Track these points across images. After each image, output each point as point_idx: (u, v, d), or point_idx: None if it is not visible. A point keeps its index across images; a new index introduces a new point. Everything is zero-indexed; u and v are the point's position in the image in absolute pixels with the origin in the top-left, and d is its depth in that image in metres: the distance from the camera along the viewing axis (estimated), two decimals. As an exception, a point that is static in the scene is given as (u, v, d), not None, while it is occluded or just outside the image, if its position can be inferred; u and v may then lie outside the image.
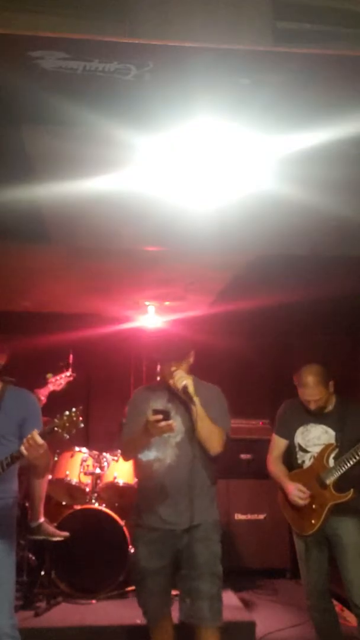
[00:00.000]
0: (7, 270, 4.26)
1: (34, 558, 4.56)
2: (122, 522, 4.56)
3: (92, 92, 2.10)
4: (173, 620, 3.15)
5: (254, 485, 5.47)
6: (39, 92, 2.09)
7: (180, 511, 2.93)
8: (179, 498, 2.93)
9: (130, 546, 4.53)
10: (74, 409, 2.71)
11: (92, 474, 4.80)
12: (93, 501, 4.73)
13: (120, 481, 4.77)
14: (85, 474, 4.79)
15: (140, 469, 3.16)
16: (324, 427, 3.42)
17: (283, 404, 3.64)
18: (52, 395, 4.83)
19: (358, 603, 3.25)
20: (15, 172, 2.67)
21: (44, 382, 4.85)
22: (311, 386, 3.36)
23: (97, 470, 4.82)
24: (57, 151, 2.50)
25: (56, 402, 4.81)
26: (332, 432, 3.40)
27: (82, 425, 2.72)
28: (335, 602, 3.57)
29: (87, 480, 4.80)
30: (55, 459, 4.83)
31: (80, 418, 2.71)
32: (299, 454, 3.48)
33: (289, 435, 3.52)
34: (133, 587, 4.46)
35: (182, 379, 2.92)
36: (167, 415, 2.76)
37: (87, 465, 4.81)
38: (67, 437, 2.70)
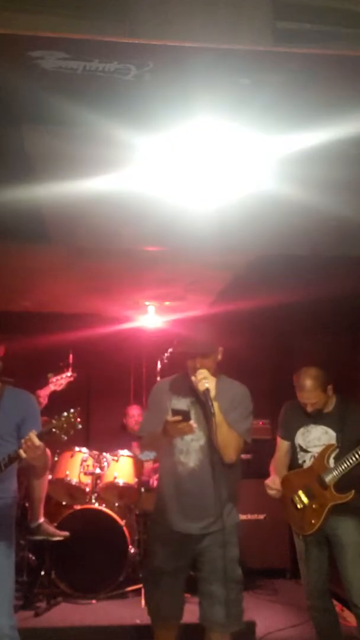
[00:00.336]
0: (7, 270, 4.25)
1: (34, 558, 4.56)
2: (122, 522, 4.57)
3: (92, 92, 2.09)
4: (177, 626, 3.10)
5: (254, 485, 5.42)
6: (39, 92, 2.09)
7: (201, 516, 2.89)
8: (201, 504, 2.88)
9: (130, 546, 4.54)
10: (72, 410, 2.71)
11: (92, 474, 4.80)
12: (93, 501, 4.73)
13: (120, 481, 4.77)
14: (85, 474, 4.79)
15: (163, 470, 3.08)
16: (324, 427, 3.43)
17: (283, 406, 3.65)
18: (52, 395, 4.83)
19: (358, 603, 3.25)
20: (15, 172, 2.67)
21: (45, 382, 4.86)
22: (308, 390, 3.36)
23: (97, 470, 4.82)
24: (57, 151, 2.50)
25: (56, 402, 4.81)
26: (332, 433, 3.40)
27: (80, 426, 2.71)
28: (335, 602, 3.57)
29: (87, 480, 4.80)
30: (55, 459, 4.83)
31: (78, 419, 2.71)
32: (300, 454, 3.49)
33: (290, 436, 3.53)
34: (133, 587, 4.48)
35: (204, 382, 2.79)
36: (186, 416, 2.66)
37: (87, 465, 4.81)
38: (65, 438, 2.70)
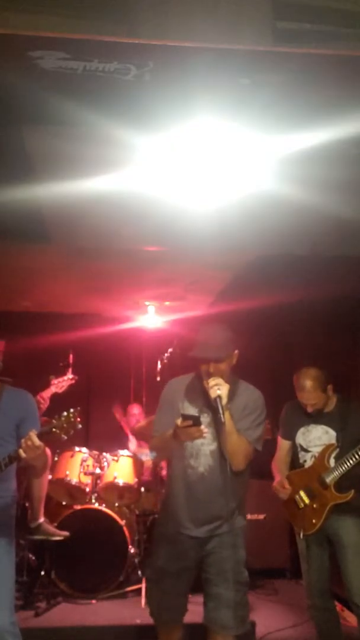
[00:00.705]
0: (7, 270, 4.26)
1: (34, 558, 4.56)
2: (122, 522, 4.56)
3: (92, 92, 2.10)
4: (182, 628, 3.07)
5: (254, 485, 5.41)
6: (39, 92, 2.09)
7: (208, 520, 2.86)
8: (209, 509, 2.85)
9: (130, 546, 4.54)
10: (72, 410, 2.71)
11: (92, 474, 4.80)
12: (93, 501, 4.73)
13: (120, 481, 4.77)
14: (85, 474, 4.79)
15: (172, 472, 3.03)
16: (325, 427, 3.43)
17: (285, 406, 3.65)
18: (53, 396, 4.84)
19: (358, 602, 3.25)
20: (15, 172, 2.67)
21: (46, 384, 4.86)
22: (308, 390, 3.36)
23: (97, 470, 4.82)
24: (57, 151, 2.50)
25: (56, 402, 4.82)
26: (332, 433, 3.40)
27: (80, 426, 2.70)
28: (335, 602, 3.57)
29: (87, 480, 4.80)
30: (55, 459, 4.83)
31: (78, 419, 2.70)
32: (301, 454, 3.49)
33: (291, 436, 3.53)
34: (133, 587, 4.48)
35: (216, 389, 2.70)
36: (196, 421, 2.58)
37: (87, 465, 4.81)
38: (65, 438, 2.69)
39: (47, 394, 4.79)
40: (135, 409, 5.77)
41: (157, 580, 2.98)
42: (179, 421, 2.59)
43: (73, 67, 1.94)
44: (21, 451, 2.57)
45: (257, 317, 5.32)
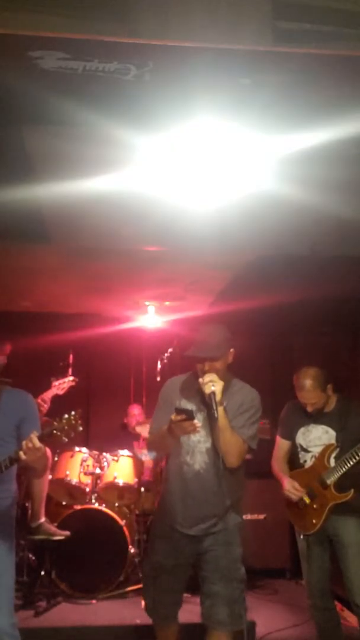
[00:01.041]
0: (7, 270, 4.25)
1: (34, 558, 4.57)
2: (122, 522, 4.56)
3: (92, 92, 2.09)
4: (178, 624, 3.12)
5: (254, 485, 5.44)
6: (39, 92, 2.09)
7: (205, 518, 2.89)
8: (205, 506, 2.88)
9: (130, 546, 4.54)
10: (73, 412, 2.71)
11: (92, 474, 4.80)
12: (93, 501, 4.73)
13: (120, 481, 4.77)
14: (85, 474, 4.79)
15: (169, 470, 3.06)
16: (325, 427, 3.43)
17: (285, 406, 3.65)
18: (54, 397, 4.84)
19: (358, 602, 3.26)
20: (15, 172, 2.67)
21: (47, 385, 4.87)
22: (308, 390, 3.36)
23: (97, 470, 4.82)
24: (57, 151, 2.50)
25: (56, 402, 4.83)
26: (332, 432, 3.40)
27: (81, 428, 2.72)
28: (335, 602, 3.57)
29: (87, 480, 4.80)
30: (56, 459, 4.83)
31: (80, 421, 2.71)
32: (301, 454, 3.49)
33: (291, 436, 3.53)
34: (133, 587, 4.48)
35: (210, 385, 2.76)
36: (190, 415, 2.62)
37: (87, 465, 4.81)
38: (66, 440, 2.70)
39: (48, 395, 4.80)
40: (136, 410, 5.77)
41: (154, 577, 3.01)
42: (173, 415, 2.63)
43: (73, 67, 1.94)
44: (21, 453, 2.57)
45: (257, 317, 5.32)
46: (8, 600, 2.80)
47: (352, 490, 3.27)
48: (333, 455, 3.36)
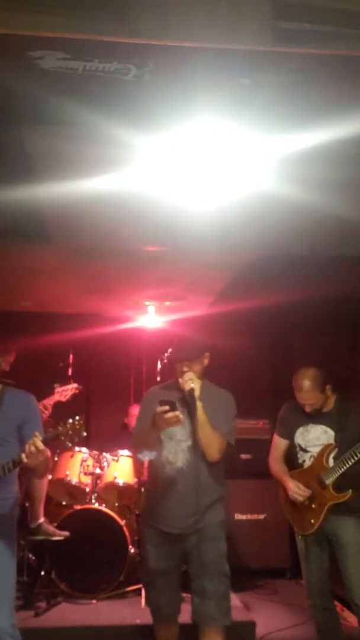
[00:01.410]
0: (7, 270, 4.25)
1: (34, 558, 4.56)
2: (122, 522, 4.56)
3: (92, 92, 2.10)
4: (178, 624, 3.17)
5: (254, 485, 5.47)
6: (39, 92, 2.09)
7: (188, 515, 2.95)
8: (188, 502, 2.94)
9: (130, 546, 4.54)
10: (77, 417, 2.73)
11: (92, 474, 4.80)
12: (93, 501, 4.73)
13: (120, 481, 4.77)
14: (85, 474, 4.79)
15: (151, 470, 3.16)
16: (323, 427, 3.43)
17: (284, 405, 3.65)
18: (56, 403, 4.84)
19: (358, 602, 3.26)
20: (15, 172, 2.67)
21: (47, 386, 4.87)
22: (306, 390, 3.37)
23: (97, 470, 4.82)
24: (57, 151, 2.50)
25: (57, 402, 4.83)
26: (331, 432, 3.40)
27: (84, 434, 2.74)
28: (335, 602, 3.57)
29: (87, 480, 4.80)
30: (55, 459, 4.83)
31: (83, 427, 2.73)
32: (300, 454, 3.49)
33: (290, 435, 3.53)
34: (133, 587, 4.48)
35: (190, 382, 2.94)
36: (173, 406, 2.76)
37: (87, 465, 4.81)
38: (70, 445, 2.73)
39: (50, 402, 4.80)
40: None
41: (151, 581, 3.09)
42: (157, 407, 2.77)
43: (73, 67, 1.94)
44: (24, 456, 2.58)
45: (257, 317, 5.32)
46: (9, 600, 2.80)
47: (350, 491, 3.27)
48: (332, 455, 3.36)
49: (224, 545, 3.04)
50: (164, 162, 2.56)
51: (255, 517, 5.44)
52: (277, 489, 3.62)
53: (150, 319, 5.63)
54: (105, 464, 4.87)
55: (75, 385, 5.01)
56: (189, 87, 2.05)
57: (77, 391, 5.02)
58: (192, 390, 2.92)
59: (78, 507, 4.66)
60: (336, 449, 3.36)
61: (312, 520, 3.34)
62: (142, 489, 4.95)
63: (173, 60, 1.94)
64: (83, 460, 4.84)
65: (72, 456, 4.87)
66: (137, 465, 4.98)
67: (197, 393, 2.92)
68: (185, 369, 3.01)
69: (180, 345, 3.15)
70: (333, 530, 3.34)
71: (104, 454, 4.93)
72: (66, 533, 4.38)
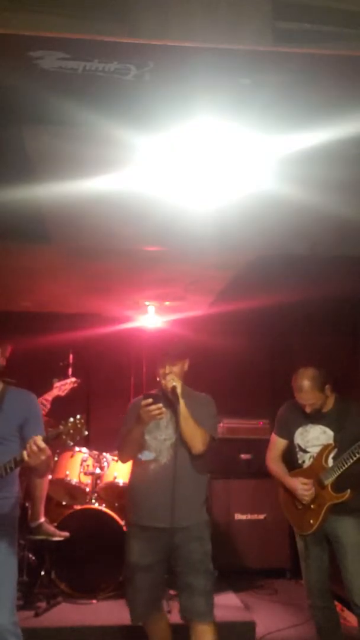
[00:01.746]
0: (7, 270, 4.25)
1: (34, 558, 4.56)
2: (122, 522, 4.56)
3: (92, 92, 2.09)
4: (167, 618, 3.27)
5: (254, 485, 5.47)
6: (39, 92, 2.09)
7: (172, 509, 2.99)
8: (172, 494, 3.00)
9: (130, 546, 4.54)
10: (78, 416, 2.73)
11: (92, 474, 4.80)
12: (93, 501, 4.73)
13: (120, 481, 4.77)
14: (85, 474, 4.79)
15: (136, 468, 3.25)
16: (323, 427, 3.43)
17: (283, 405, 3.65)
18: (55, 398, 4.84)
19: (358, 602, 3.26)
20: (15, 172, 2.67)
21: (48, 387, 4.86)
22: (305, 390, 3.37)
23: (97, 470, 4.82)
24: (57, 151, 2.50)
25: (57, 402, 4.82)
26: (330, 433, 3.40)
27: (86, 432, 2.75)
28: (335, 602, 3.57)
29: (87, 480, 4.80)
30: (55, 459, 4.82)
31: (85, 426, 2.73)
32: (299, 455, 3.49)
33: (289, 435, 3.53)
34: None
35: (172, 381, 3.11)
36: (157, 399, 2.95)
37: (87, 465, 4.81)
38: (72, 444, 2.73)
39: (49, 396, 4.80)
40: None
41: (131, 578, 3.14)
42: (142, 402, 2.94)
43: (73, 67, 1.94)
44: (25, 455, 2.57)
45: (257, 317, 5.32)
46: (10, 599, 2.80)
47: (349, 490, 3.27)
48: (331, 455, 3.36)
49: (209, 544, 3.13)
50: (164, 162, 2.56)
51: (255, 517, 5.44)
52: (276, 489, 3.62)
53: (150, 319, 5.62)
54: (105, 464, 4.87)
55: (74, 379, 5.00)
56: (189, 87, 2.05)
57: (76, 385, 5.01)
58: (174, 387, 3.09)
59: (78, 507, 4.66)
60: (335, 449, 3.36)
61: (312, 521, 3.34)
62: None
63: (173, 60, 1.94)
64: (83, 460, 4.84)
65: (72, 456, 4.87)
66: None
67: (178, 390, 3.08)
68: (167, 370, 3.16)
69: (164, 349, 3.29)
70: (333, 530, 3.34)
71: (104, 454, 4.93)
72: (66, 534, 4.38)
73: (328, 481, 3.30)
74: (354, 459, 3.22)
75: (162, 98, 2.11)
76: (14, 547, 2.86)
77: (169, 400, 3.11)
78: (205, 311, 5.41)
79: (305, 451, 3.47)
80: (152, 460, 3.13)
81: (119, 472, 4.80)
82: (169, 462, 3.09)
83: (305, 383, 3.36)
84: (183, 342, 3.44)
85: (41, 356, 5.23)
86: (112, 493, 4.87)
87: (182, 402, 3.08)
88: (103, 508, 4.63)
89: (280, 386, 4.95)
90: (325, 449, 3.37)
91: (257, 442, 5.37)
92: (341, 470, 3.27)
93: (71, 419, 2.71)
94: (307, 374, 3.38)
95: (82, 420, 2.72)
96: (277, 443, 3.58)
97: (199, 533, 3.09)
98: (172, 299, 5.09)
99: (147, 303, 5.24)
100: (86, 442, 5.31)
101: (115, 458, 4.88)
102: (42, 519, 4.39)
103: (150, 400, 2.94)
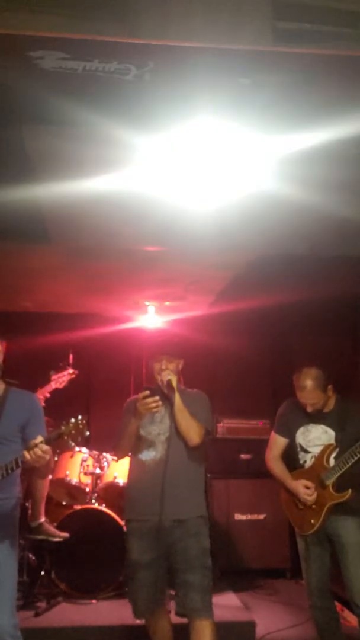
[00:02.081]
0: (7, 270, 4.25)
1: (34, 558, 4.56)
2: (122, 522, 4.55)
3: (92, 92, 2.10)
4: (168, 616, 3.25)
5: (254, 485, 5.47)
6: (39, 92, 2.09)
7: (168, 503, 3.02)
8: (167, 490, 3.02)
9: (130, 546, 4.54)
10: (80, 417, 2.73)
11: (92, 474, 4.80)
12: (93, 501, 4.73)
13: (120, 481, 4.76)
14: (85, 474, 4.78)
15: (132, 466, 3.28)
16: (324, 427, 3.43)
17: (284, 403, 3.64)
18: (54, 395, 4.83)
19: (358, 603, 3.25)
20: (15, 172, 2.67)
21: (46, 380, 4.86)
22: (308, 390, 3.36)
23: (97, 470, 4.82)
24: (57, 151, 2.50)
25: (57, 401, 4.82)
26: (331, 432, 3.40)
27: (87, 433, 2.74)
28: (335, 602, 3.57)
29: (87, 480, 4.79)
30: (56, 459, 4.82)
31: (86, 426, 2.73)
32: (301, 454, 3.48)
33: (290, 434, 3.52)
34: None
35: (167, 374, 3.16)
36: (154, 392, 3.02)
37: (87, 465, 4.81)
38: (73, 444, 2.72)
39: (47, 389, 4.79)
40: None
41: (132, 576, 3.14)
42: (141, 394, 3.01)
43: (73, 67, 1.94)
44: (27, 455, 2.57)
45: (257, 317, 5.32)
46: (10, 600, 2.80)
47: (350, 490, 3.27)
48: (332, 455, 3.36)
49: (207, 540, 3.13)
50: (164, 162, 2.56)
51: (255, 517, 5.44)
52: (278, 489, 3.62)
53: (150, 319, 5.62)
54: (105, 464, 4.86)
55: (71, 370, 4.97)
56: (189, 87, 2.05)
57: (73, 376, 4.98)
58: (169, 381, 3.13)
59: (78, 507, 4.66)
60: (337, 449, 3.36)
61: (312, 520, 3.34)
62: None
63: (173, 60, 1.94)
64: (83, 460, 4.83)
65: (72, 456, 4.86)
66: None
67: (174, 383, 3.13)
68: (163, 366, 3.20)
69: (162, 344, 3.37)
70: (334, 530, 3.34)
71: (104, 454, 4.93)
72: (66, 534, 4.37)
73: (329, 481, 3.30)
74: (355, 458, 3.22)
75: (162, 98, 2.11)
76: (14, 548, 2.86)
77: (164, 394, 3.14)
78: (205, 311, 5.41)
79: (306, 451, 3.46)
80: (148, 457, 3.16)
81: (119, 472, 4.80)
82: (164, 456, 3.10)
83: (308, 383, 3.36)
84: (180, 342, 3.47)
85: (41, 356, 5.23)
86: (112, 493, 4.86)
87: (177, 394, 3.12)
88: (103, 508, 4.63)
89: (280, 386, 4.96)
90: (327, 449, 3.37)
91: (257, 442, 5.37)
92: (342, 470, 3.26)
93: (72, 420, 2.71)
94: (310, 374, 3.38)
95: (84, 421, 2.72)
96: (277, 441, 3.57)
97: (196, 528, 3.08)
98: (172, 299, 5.09)
99: (147, 303, 5.24)
100: (86, 442, 5.30)
101: (115, 458, 4.88)
102: (42, 519, 4.38)
103: (147, 392, 3.00)
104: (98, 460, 4.88)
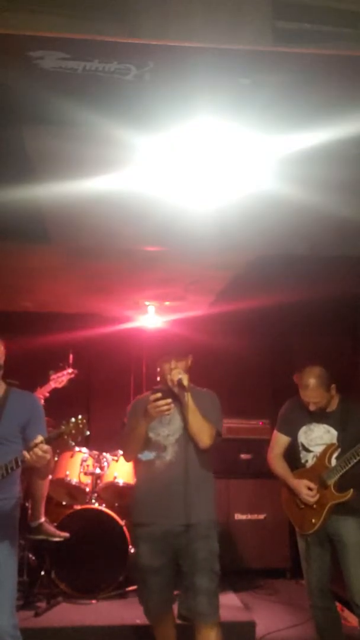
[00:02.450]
0: (7, 270, 4.25)
1: (34, 558, 4.55)
2: (122, 522, 4.56)
3: (92, 92, 2.10)
4: (175, 619, 3.21)
5: (254, 485, 5.47)
6: (39, 92, 2.09)
7: (178, 506, 2.98)
8: (177, 493, 2.98)
9: (130, 546, 4.54)
10: (80, 416, 2.73)
11: (92, 474, 4.80)
12: (93, 501, 4.73)
13: (120, 481, 4.77)
14: (85, 474, 4.78)
15: (140, 468, 3.23)
16: (326, 426, 3.43)
17: (287, 402, 3.64)
18: (53, 394, 4.83)
19: (359, 602, 3.25)
20: (15, 172, 2.67)
21: (46, 380, 4.86)
22: (312, 388, 3.36)
23: (97, 470, 4.82)
24: (57, 151, 2.50)
25: (57, 401, 4.81)
26: (334, 432, 3.40)
27: (88, 432, 2.74)
28: (335, 602, 3.57)
29: (87, 480, 4.80)
30: (55, 459, 4.82)
31: (86, 426, 2.73)
32: (302, 454, 3.48)
33: (292, 433, 3.52)
34: (133, 587, 4.47)
35: (178, 374, 3.06)
36: (165, 394, 2.93)
37: (87, 465, 4.81)
38: (73, 444, 2.72)
39: (46, 388, 4.79)
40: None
41: (143, 580, 3.12)
42: (151, 396, 2.93)
43: (73, 67, 1.94)
44: (27, 455, 2.57)
45: (257, 317, 5.32)
46: (10, 601, 2.80)
47: (351, 490, 3.27)
48: (334, 455, 3.36)
49: (216, 544, 3.07)
50: (164, 162, 2.56)
51: (255, 517, 5.44)
52: (278, 489, 3.62)
53: (150, 319, 5.62)
54: (105, 464, 4.87)
55: (70, 370, 4.97)
56: (189, 87, 2.05)
57: (73, 375, 4.97)
58: (180, 380, 3.02)
59: (78, 507, 4.66)
60: (339, 449, 3.36)
61: (313, 520, 3.34)
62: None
63: (173, 60, 1.94)
64: (83, 460, 4.84)
65: (72, 456, 4.87)
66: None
67: (185, 382, 3.03)
68: (172, 365, 3.12)
69: (168, 344, 3.32)
70: (335, 530, 3.34)
71: (104, 454, 4.93)
72: (66, 534, 4.37)
73: (331, 481, 3.30)
74: (357, 459, 3.22)
75: (162, 98, 2.11)
76: (14, 549, 2.86)
77: (174, 395, 3.05)
78: (205, 311, 5.40)
79: (308, 450, 3.46)
80: (155, 458, 3.09)
81: (119, 472, 4.80)
82: (174, 459, 3.04)
83: (312, 381, 3.36)
84: (185, 340, 3.46)
85: (41, 356, 5.23)
86: (112, 493, 4.87)
87: (189, 394, 3.04)
88: (103, 508, 4.63)
89: (280, 386, 4.96)
90: (329, 448, 3.37)
91: (257, 442, 5.38)
92: (344, 470, 3.26)
93: (72, 419, 2.71)
94: (314, 373, 3.38)
95: (84, 421, 2.72)
96: (279, 440, 3.57)
97: (206, 532, 3.03)
98: (172, 299, 5.09)
99: (147, 303, 5.24)
100: (86, 442, 5.30)
101: (116, 458, 4.88)
102: (43, 519, 4.38)
103: (159, 395, 2.92)
104: (98, 460, 4.88)
